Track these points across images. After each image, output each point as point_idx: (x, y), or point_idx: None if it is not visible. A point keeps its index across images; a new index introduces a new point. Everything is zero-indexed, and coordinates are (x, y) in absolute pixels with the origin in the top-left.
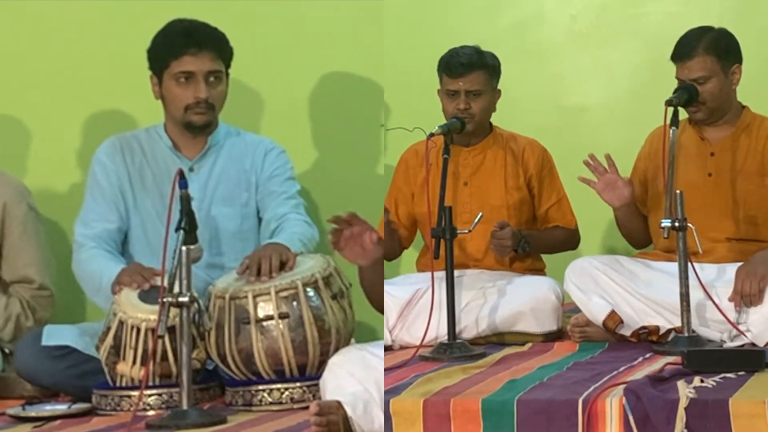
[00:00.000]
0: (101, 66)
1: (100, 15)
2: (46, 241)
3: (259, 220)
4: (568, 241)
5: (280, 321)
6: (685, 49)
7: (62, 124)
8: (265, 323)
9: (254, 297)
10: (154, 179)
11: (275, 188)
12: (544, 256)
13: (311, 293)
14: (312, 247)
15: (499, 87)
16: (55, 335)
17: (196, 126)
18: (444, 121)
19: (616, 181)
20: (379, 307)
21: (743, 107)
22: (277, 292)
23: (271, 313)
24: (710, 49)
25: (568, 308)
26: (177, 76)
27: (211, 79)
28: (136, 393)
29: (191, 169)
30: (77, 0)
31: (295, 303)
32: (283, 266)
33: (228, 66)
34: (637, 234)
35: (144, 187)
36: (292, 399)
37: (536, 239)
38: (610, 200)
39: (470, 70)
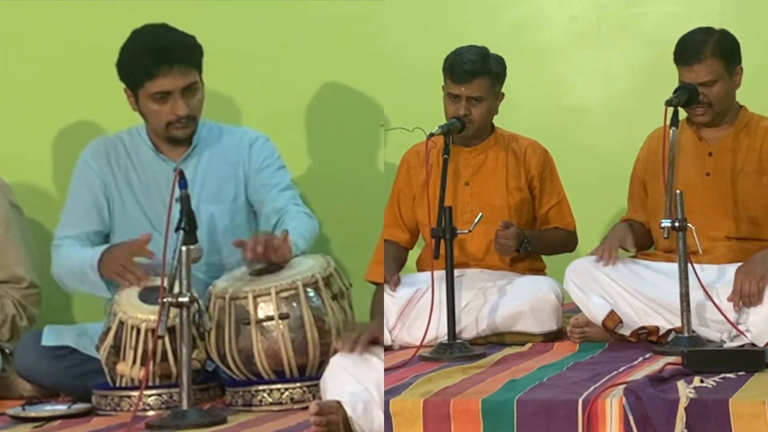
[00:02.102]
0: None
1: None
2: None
3: (252, 213)
4: (567, 243)
5: (280, 321)
6: (691, 52)
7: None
8: (265, 324)
9: (254, 297)
10: (140, 181)
11: (267, 180)
12: (544, 256)
13: (311, 293)
14: (314, 240)
15: (502, 90)
16: (55, 335)
17: (179, 139)
18: (444, 121)
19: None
20: None
21: (740, 107)
22: (277, 293)
23: (271, 313)
24: (717, 53)
25: (568, 308)
26: (153, 95)
27: (188, 92)
28: (136, 393)
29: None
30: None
31: (295, 303)
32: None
33: (201, 69)
34: (640, 245)
35: (131, 190)
36: (292, 399)
37: (537, 240)
38: None
39: (473, 77)
